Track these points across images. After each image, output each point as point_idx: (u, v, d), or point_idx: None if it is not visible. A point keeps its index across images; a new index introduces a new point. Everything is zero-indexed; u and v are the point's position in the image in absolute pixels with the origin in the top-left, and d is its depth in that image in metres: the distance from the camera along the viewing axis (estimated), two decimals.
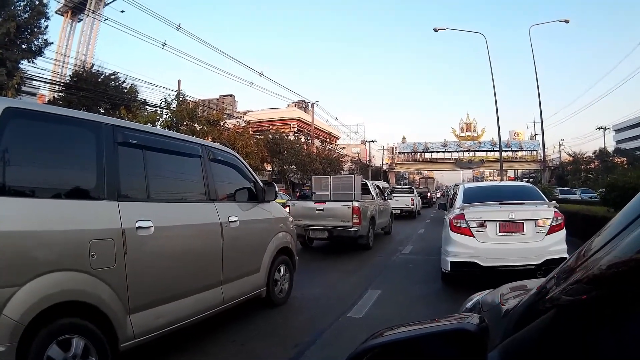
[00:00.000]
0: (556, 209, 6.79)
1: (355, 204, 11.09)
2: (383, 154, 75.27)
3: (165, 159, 4.49)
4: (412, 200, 25.27)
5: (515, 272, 6.12)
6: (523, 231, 6.54)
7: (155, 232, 3.77)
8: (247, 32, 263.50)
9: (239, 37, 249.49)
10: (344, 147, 63.65)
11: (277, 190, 5.91)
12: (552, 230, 6.50)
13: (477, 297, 1.70)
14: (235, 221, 4.96)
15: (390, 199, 17.22)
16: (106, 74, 29.31)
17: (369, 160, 66.72)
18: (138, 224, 3.61)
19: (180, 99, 26.70)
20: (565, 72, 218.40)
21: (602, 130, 53.54)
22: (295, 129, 57.32)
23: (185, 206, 4.52)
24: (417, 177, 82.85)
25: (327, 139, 61.79)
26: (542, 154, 36.19)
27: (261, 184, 5.75)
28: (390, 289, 7.07)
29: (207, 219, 4.62)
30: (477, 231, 6.58)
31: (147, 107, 26.28)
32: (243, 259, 5.19)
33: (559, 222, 6.58)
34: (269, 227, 5.84)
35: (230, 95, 76.34)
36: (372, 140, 68.07)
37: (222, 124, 31.45)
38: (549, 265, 6.06)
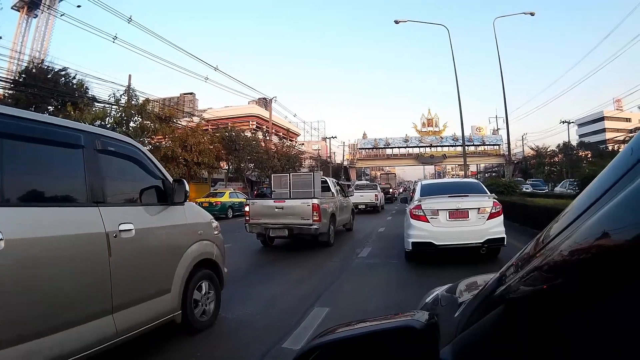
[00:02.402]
0: (495, 200, 8.47)
1: (315, 201, 10.98)
2: (344, 151, 74.74)
3: (31, 150, 3.29)
4: (376, 195, 26.80)
5: (465, 250, 8.10)
6: (468, 217, 8.15)
7: (6, 247, 2.70)
8: (203, 23, 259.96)
9: (194, 31, 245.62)
10: (303, 144, 62.78)
11: (187, 189, 4.67)
12: (492, 216, 8.13)
13: (437, 291, 1.68)
14: (129, 230, 3.77)
15: (352, 195, 17.26)
16: (56, 70, 27.50)
17: (330, 157, 66.05)
18: None
19: (130, 94, 25.53)
20: (528, 66, 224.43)
21: (567, 124, 53.97)
22: (254, 126, 56.15)
23: (54, 211, 3.28)
24: (378, 173, 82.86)
25: (286, 136, 60.81)
26: (505, 148, 36.26)
27: (170, 182, 4.57)
28: (340, 305, 5.88)
29: (86, 228, 3.42)
30: (431, 218, 8.17)
31: (96, 103, 24.81)
32: (143, 278, 3.99)
33: (498, 210, 8.23)
34: (182, 236, 4.63)
35: (191, 94, 75.43)
36: (332, 137, 67.36)
37: (175, 120, 30.23)
38: (489, 243, 8.00)
